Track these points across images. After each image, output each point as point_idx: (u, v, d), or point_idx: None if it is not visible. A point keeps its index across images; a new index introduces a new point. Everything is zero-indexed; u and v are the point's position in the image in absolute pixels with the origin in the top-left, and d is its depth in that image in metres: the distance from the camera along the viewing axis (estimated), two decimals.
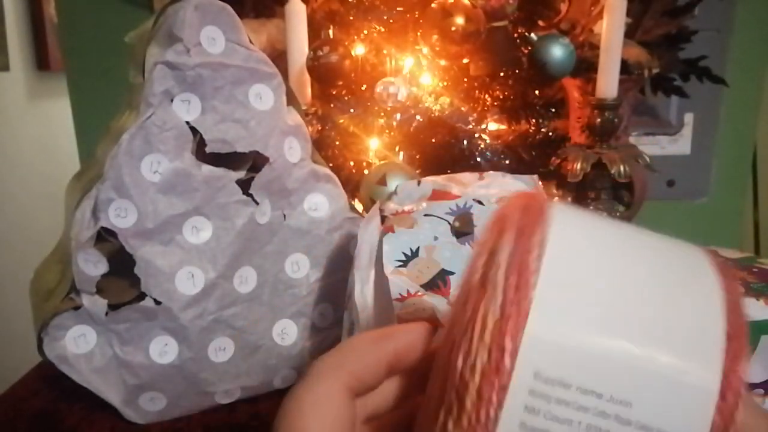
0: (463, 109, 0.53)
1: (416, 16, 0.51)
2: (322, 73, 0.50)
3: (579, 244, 0.16)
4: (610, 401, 0.14)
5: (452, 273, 0.32)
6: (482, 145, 0.54)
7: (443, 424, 0.14)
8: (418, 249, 0.32)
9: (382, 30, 0.52)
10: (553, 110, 0.58)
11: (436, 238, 0.33)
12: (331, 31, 0.53)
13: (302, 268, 0.38)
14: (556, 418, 0.14)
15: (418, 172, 0.51)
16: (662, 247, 0.17)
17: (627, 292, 0.15)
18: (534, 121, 0.55)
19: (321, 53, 0.50)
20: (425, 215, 0.34)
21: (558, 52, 0.51)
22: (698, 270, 0.16)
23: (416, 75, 0.53)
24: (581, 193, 0.56)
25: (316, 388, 0.16)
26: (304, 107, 0.50)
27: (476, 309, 0.14)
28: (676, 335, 0.14)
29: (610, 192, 0.56)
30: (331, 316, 0.40)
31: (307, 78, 0.52)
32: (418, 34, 0.51)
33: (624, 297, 0.15)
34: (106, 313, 0.34)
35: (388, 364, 0.17)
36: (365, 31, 0.52)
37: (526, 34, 0.54)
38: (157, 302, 0.34)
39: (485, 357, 0.14)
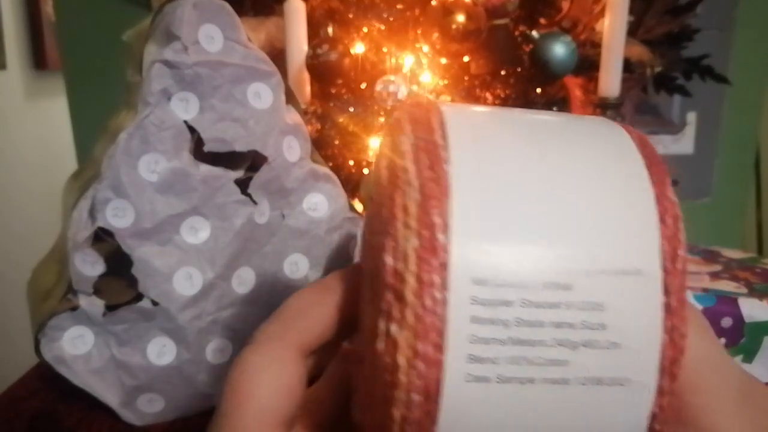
0: None
1: (416, 14, 0.51)
2: (321, 72, 0.50)
3: (482, 121, 0.15)
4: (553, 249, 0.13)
5: None
6: None
7: (386, 333, 0.13)
8: None
9: (382, 28, 0.52)
10: (555, 109, 0.57)
11: None
12: (330, 29, 0.53)
13: (301, 269, 0.38)
14: (506, 282, 0.13)
15: None
16: (572, 124, 0.16)
17: (545, 162, 0.14)
18: None
19: (320, 51, 0.49)
20: None
21: (560, 50, 0.50)
22: (621, 151, 0.15)
23: (416, 73, 0.53)
24: None
25: (262, 351, 0.15)
26: (303, 106, 0.49)
27: (393, 203, 0.13)
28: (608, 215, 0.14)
29: None
30: None
31: (307, 76, 0.52)
32: (419, 32, 0.51)
33: (544, 166, 0.14)
34: (104, 314, 0.33)
35: (335, 316, 0.16)
36: (365, 29, 0.52)
37: (528, 32, 0.54)
38: (155, 303, 0.33)
39: (416, 241, 0.13)
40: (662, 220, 0.14)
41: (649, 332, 0.13)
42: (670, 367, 0.13)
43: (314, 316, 0.16)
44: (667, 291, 0.13)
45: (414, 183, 0.13)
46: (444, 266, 0.12)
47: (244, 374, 0.15)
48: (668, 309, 0.13)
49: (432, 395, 0.13)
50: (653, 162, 0.15)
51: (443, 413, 0.13)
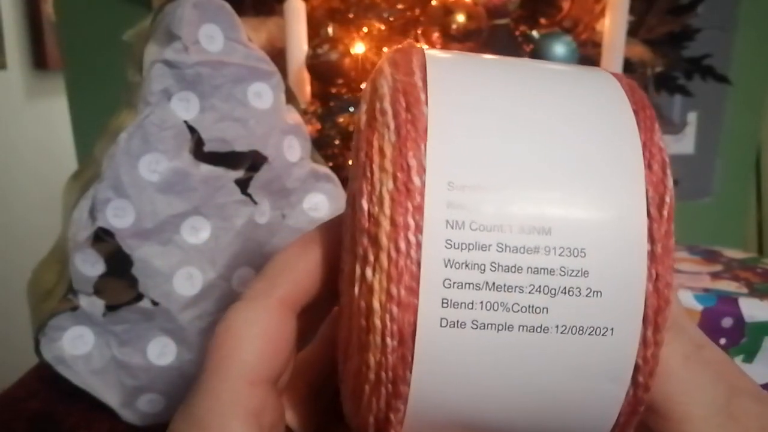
0: None
1: (417, 13, 0.51)
2: (321, 71, 0.50)
3: (465, 64, 0.15)
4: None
5: None
6: None
7: (361, 278, 0.13)
8: None
9: (383, 28, 0.52)
10: None
11: None
12: (330, 29, 0.53)
13: None
14: (482, 226, 0.12)
15: None
16: (559, 71, 0.16)
17: (528, 106, 0.14)
18: None
19: (320, 51, 0.49)
20: None
21: (560, 50, 0.50)
22: (606, 95, 0.14)
23: None
24: None
25: (248, 307, 0.15)
26: (303, 106, 0.49)
27: (370, 146, 0.13)
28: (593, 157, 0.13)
29: None
30: None
31: (307, 76, 0.52)
32: (419, 32, 0.51)
33: (527, 110, 0.14)
34: (104, 314, 0.33)
35: (320, 268, 0.15)
36: (365, 29, 0.52)
37: (528, 32, 0.54)
38: (155, 303, 0.33)
39: (391, 184, 0.12)
40: (648, 167, 0.13)
41: (633, 280, 0.13)
42: (654, 317, 0.13)
43: (300, 269, 0.15)
44: (652, 238, 0.13)
45: (391, 125, 0.13)
46: (418, 209, 0.12)
47: (230, 330, 0.14)
48: (653, 257, 0.13)
49: (406, 339, 0.12)
50: (641, 108, 0.14)
51: (418, 358, 0.13)
